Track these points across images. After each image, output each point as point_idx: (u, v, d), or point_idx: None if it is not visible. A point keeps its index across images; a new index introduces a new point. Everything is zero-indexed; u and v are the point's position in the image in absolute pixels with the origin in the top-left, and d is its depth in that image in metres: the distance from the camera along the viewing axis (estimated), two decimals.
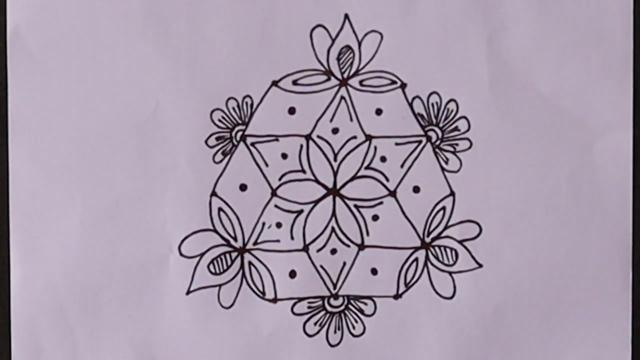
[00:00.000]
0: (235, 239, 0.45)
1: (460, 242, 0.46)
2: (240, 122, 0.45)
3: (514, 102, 0.45)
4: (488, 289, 0.46)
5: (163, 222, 0.45)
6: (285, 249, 0.45)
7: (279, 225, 0.45)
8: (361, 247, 0.46)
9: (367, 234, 0.46)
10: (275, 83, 0.45)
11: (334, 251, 0.46)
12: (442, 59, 0.45)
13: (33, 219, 0.45)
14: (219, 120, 0.45)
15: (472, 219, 0.45)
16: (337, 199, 0.45)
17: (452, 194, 0.46)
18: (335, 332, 0.46)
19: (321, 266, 0.45)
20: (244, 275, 0.45)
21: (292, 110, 0.45)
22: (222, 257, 0.45)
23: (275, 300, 0.45)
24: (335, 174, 0.46)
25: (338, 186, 0.46)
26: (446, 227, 0.46)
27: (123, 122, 0.45)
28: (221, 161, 0.45)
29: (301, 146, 0.45)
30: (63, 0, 0.45)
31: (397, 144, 0.46)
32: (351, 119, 0.45)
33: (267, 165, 0.45)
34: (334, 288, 0.46)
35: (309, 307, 0.45)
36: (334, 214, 0.45)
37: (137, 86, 0.45)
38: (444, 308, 0.46)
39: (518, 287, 0.46)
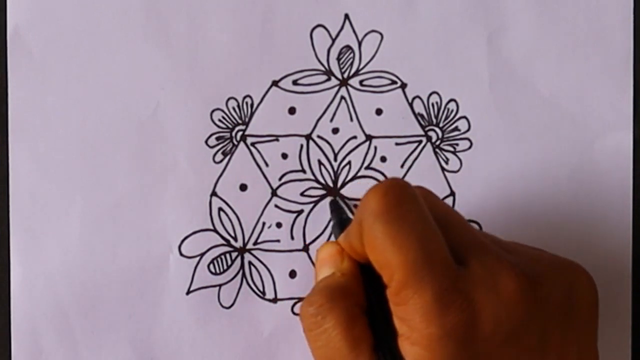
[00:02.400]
0: (235, 239, 0.45)
1: None
2: (240, 122, 0.45)
3: (514, 102, 0.45)
4: None
5: (163, 222, 0.45)
6: (285, 249, 0.45)
7: (279, 225, 0.45)
8: None
9: None
10: (275, 83, 0.45)
11: None
12: (442, 59, 0.45)
13: (33, 219, 0.45)
14: (219, 120, 0.45)
15: (472, 219, 0.45)
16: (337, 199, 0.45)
17: (452, 194, 0.46)
18: None
19: None
20: (244, 275, 0.45)
21: (292, 110, 0.45)
22: (222, 257, 0.45)
23: (275, 300, 0.45)
24: (335, 174, 0.46)
25: (338, 186, 0.46)
26: None
27: (123, 122, 0.45)
28: (221, 161, 0.45)
29: (301, 146, 0.45)
30: (63, 0, 0.45)
31: (397, 144, 0.46)
32: (351, 119, 0.45)
33: (267, 165, 0.45)
34: None
35: None
36: None
37: (137, 86, 0.45)
38: None
39: None
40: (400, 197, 0.35)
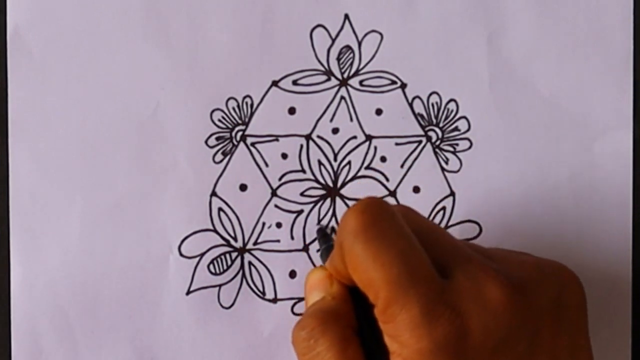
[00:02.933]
0: (235, 239, 0.45)
1: None
2: (240, 122, 0.45)
3: (514, 102, 0.45)
4: None
5: (163, 222, 0.45)
6: (285, 249, 0.45)
7: (279, 225, 0.45)
8: None
9: None
10: (275, 83, 0.45)
11: None
12: (442, 59, 0.45)
13: (33, 219, 0.45)
14: (219, 120, 0.45)
15: (472, 219, 0.45)
16: (337, 199, 0.45)
17: (452, 194, 0.46)
18: None
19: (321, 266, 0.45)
20: (244, 275, 0.45)
21: (292, 110, 0.45)
22: (222, 257, 0.45)
23: (275, 300, 0.45)
24: (335, 174, 0.46)
25: (338, 186, 0.46)
26: (446, 227, 0.46)
27: (123, 122, 0.45)
28: (221, 161, 0.45)
29: (301, 146, 0.45)
30: (63, 0, 0.45)
31: (397, 144, 0.46)
32: (351, 119, 0.45)
33: (267, 165, 0.45)
34: None
35: None
36: (334, 214, 0.45)
37: (137, 86, 0.45)
38: None
39: None
40: (378, 215, 0.35)
